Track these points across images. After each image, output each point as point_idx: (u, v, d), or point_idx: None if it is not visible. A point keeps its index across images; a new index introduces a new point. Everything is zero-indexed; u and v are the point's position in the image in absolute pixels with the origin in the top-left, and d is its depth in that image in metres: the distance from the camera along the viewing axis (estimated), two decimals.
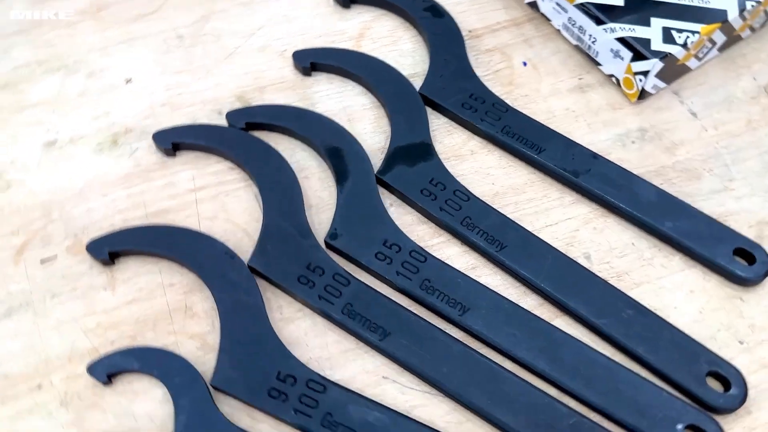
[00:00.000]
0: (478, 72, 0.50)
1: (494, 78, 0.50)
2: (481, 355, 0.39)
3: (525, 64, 0.51)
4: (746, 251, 0.42)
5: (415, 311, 0.40)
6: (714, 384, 0.38)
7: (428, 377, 0.38)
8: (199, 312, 0.41)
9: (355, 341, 0.40)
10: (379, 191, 0.44)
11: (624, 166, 0.45)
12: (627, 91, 0.48)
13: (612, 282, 0.41)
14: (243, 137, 0.46)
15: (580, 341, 0.39)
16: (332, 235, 0.42)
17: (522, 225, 0.43)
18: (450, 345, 0.39)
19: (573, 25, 0.50)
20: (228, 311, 0.40)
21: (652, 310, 0.40)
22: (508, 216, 0.43)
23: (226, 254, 0.42)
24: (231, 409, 0.38)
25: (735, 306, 0.41)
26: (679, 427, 0.37)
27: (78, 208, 0.45)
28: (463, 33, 0.52)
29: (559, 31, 0.52)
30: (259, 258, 0.41)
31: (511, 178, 0.46)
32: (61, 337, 0.40)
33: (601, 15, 0.48)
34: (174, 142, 0.46)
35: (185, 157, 0.47)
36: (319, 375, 0.38)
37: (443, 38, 0.51)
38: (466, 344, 0.39)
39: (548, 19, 0.52)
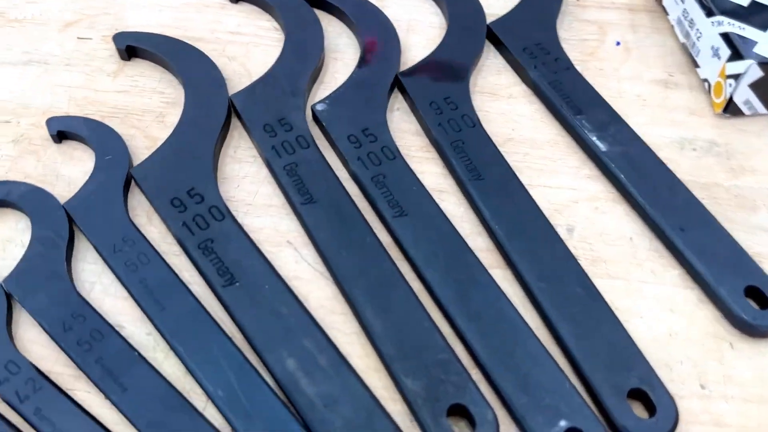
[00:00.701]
0: (563, 34, 0.45)
1: (576, 45, 0.45)
2: (389, 257, 0.34)
3: (618, 43, 0.45)
4: (762, 294, 0.32)
5: (354, 199, 0.36)
6: (636, 408, 0.30)
7: (326, 254, 0.34)
8: (168, 123, 0.41)
9: (283, 200, 0.37)
10: (391, 91, 0.41)
11: (670, 166, 0.38)
12: (714, 100, 0.41)
13: (583, 264, 0.34)
14: (186, 48, 0.45)
15: (500, 291, 0.33)
16: (320, 102, 0.40)
17: (516, 174, 0.37)
18: (364, 235, 0.34)
19: (686, 17, 0.43)
20: (185, 124, 0.39)
21: (611, 306, 0.32)
22: (506, 159, 0.38)
23: (216, 79, 0.41)
24: (136, 203, 0.37)
25: (719, 348, 0.32)
26: (562, 423, 0.29)
27: (132, 12, 0.47)
28: (571, 2, 0.47)
29: (672, 27, 0.45)
30: (243, 96, 0.40)
31: (535, 132, 0.40)
32: (51, 96, 0.42)
33: (715, 7, 0.41)
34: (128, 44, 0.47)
35: (240, 7, 0.47)
36: (226, 207, 0.36)
37: None
38: (380, 242, 0.34)
39: (666, 12, 0.46)
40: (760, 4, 0.41)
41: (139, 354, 0.31)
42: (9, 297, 0.33)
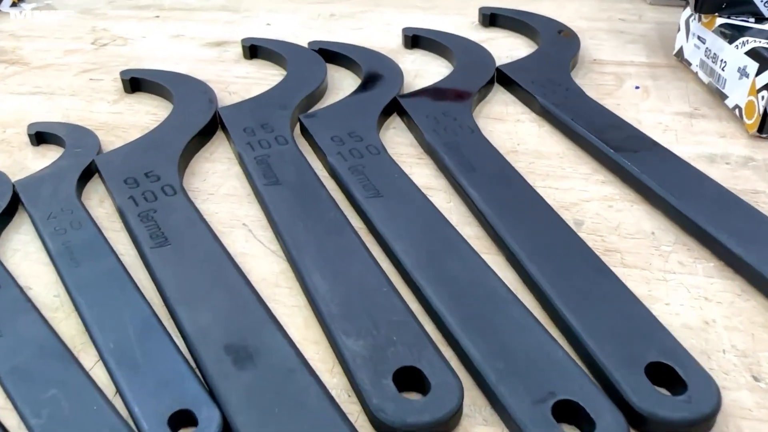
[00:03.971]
0: (579, 81, 0.41)
1: (592, 87, 0.41)
2: (355, 232, 0.27)
3: (637, 87, 0.41)
4: None
5: (328, 188, 0.31)
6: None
7: (281, 229, 0.28)
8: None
9: (248, 191, 0.32)
10: (387, 112, 0.37)
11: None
12: (747, 121, 0.35)
13: (596, 254, 0.27)
14: (302, 50, 0.44)
15: (481, 260, 0.25)
16: (310, 114, 0.36)
17: (516, 171, 0.31)
18: (327, 210, 0.29)
19: (708, 55, 0.39)
20: (164, 126, 0.36)
21: (633, 293, 0.24)
22: (513, 165, 0.32)
23: (204, 94, 0.38)
24: (92, 191, 0.33)
25: None
26: (551, 394, 0.20)
27: (150, 63, 0.46)
28: (588, 60, 0.44)
29: (695, 75, 0.41)
30: (231, 108, 0.37)
31: (542, 145, 0.35)
32: (46, 114, 0.40)
33: (738, 33, 0.37)
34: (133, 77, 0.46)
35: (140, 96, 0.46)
36: (182, 186, 0.31)
37: (555, 48, 0.44)
38: (346, 219, 0.28)
39: (689, 63, 0.42)
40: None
41: (33, 306, 0.25)
42: None
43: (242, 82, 0.43)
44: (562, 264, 0.25)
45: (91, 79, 0.44)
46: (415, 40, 0.47)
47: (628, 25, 0.50)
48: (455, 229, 0.27)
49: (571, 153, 0.34)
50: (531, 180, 0.31)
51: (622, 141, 0.33)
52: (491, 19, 0.50)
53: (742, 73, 0.35)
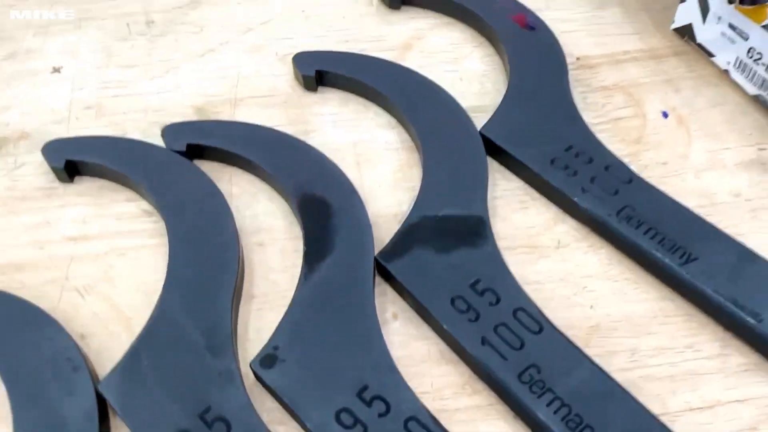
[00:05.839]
0: (587, 117, 0.28)
1: (611, 129, 0.28)
2: None
3: (665, 115, 0.29)
4: None
5: None
6: None
7: None
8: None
9: None
10: (374, 291, 0.23)
11: None
12: None
13: None
14: (171, 165, 0.26)
15: None
16: (267, 358, 0.21)
17: (638, 399, 0.20)
18: None
19: (756, 60, 0.28)
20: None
21: None
22: (612, 375, 0.21)
23: (67, 362, 0.21)
24: None
25: None
26: None
27: None
28: (569, 59, 0.31)
29: (726, 72, 0.30)
30: (118, 382, 0.21)
31: (626, 302, 0.23)
32: None
33: None
34: (69, 159, 0.27)
35: (85, 186, 0.27)
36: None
37: (533, 62, 0.30)
38: None
39: (709, 54, 0.30)
40: None
41: None
42: None
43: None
44: None
45: None
46: (319, 77, 0.30)
47: None
48: None
49: (674, 307, 0.23)
50: (658, 401, 0.21)
51: (735, 283, 0.22)
52: None
53: None
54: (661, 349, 0.22)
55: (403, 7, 0.34)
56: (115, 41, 0.33)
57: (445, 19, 0.34)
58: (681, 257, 0.23)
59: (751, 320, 0.22)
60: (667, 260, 0.23)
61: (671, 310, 0.23)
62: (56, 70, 0.32)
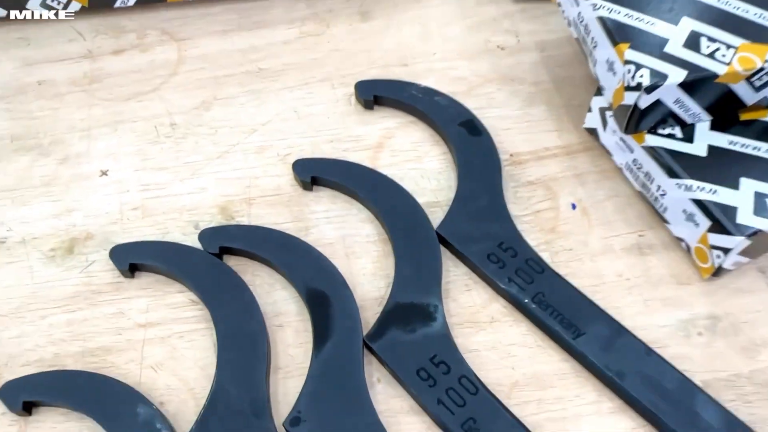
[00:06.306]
0: (515, 210, 0.38)
1: (534, 221, 0.38)
2: None
3: (574, 206, 0.39)
4: None
5: None
6: None
7: None
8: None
9: None
10: (364, 362, 0.33)
11: (685, 366, 0.33)
12: (699, 264, 0.36)
13: None
14: (211, 267, 0.36)
15: None
16: (294, 419, 0.31)
17: None
18: None
19: (638, 168, 0.38)
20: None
21: None
22: (524, 422, 0.31)
23: (158, 427, 0.31)
24: None
25: None
26: None
27: (8, 332, 0.35)
28: (504, 156, 0.40)
29: (620, 169, 0.40)
30: None
31: (537, 364, 0.34)
32: None
33: (676, 165, 0.35)
34: (132, 262, 0.36)
35: (143, 281, 0.37)
36: None
37: (477, 164, 0.39)
38: None
39: (609, 153, 0.40)
40: (720, 150, 0.36)
41: None
42: None
43: (163, 342, 0.35)
44: None
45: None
46: (313, 180, 0.40)
47: (512, 60, 0.45)
48: None
49: (569, 368, 0.34)
50: None
51: (614, 353, 0.33)
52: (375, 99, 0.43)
53: (690, 217, 0.35)
54: (559, 399, 0.33)
55: (375, 107, 0.43)
56: (147, 144, 0.42)
57: (409, 118, 0.43)
58: (573, 332, 0.34)
59: (617, 379, 0.32)
60: (564, 334, 0.34)
61: (567, 369, 0.34)
62: (104, 173, 0.41)
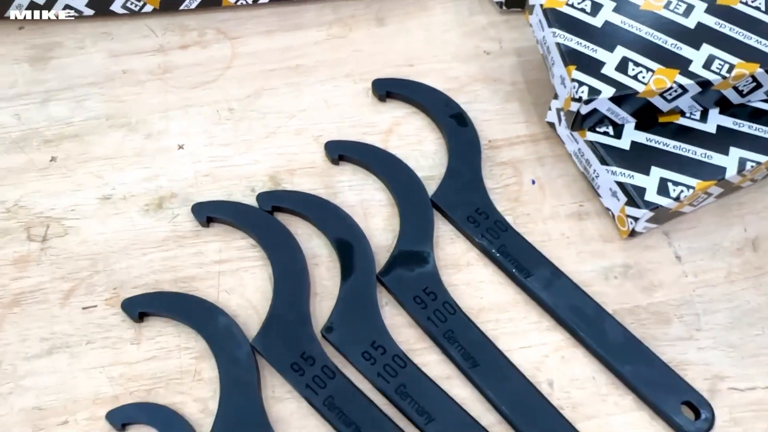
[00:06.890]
0: (489, 184, 0.52)
1: (502, 192, 0.52)
2: None
3: (533, 182, 0.52)
4: (694, 405, 0.43)
5: (388, 412, 0.43)
6: None
7: None
8: (206, 378, 0.45)
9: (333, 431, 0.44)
10: (377, 291, 0.47)
11: (602, 300, 0.47)
12: (620, 227, 0.50)
13: (566, 412, 0.43)
14: (266, 221, 0.49)
15: None
16: (328, 327, 0.46)
17: (498, 345, 0.45)
18: None
19: (581, 156, 0.51)
20: (227, 384, 0.44)
21: None
22: (487, 334, 0.46)
23: (234, 331, 0.45)
24: None
25: None
26: None
27: (120, 264, 0.49)
28: (483, 142, 0.53)
29: (570, 155, 0.53)
30: (261, 339, 0.45)
31: (498, 295, 0.48)
32: (89, 381, 0.45)
33: (606, 156, 0.49)
34: (208, 216, 0.50)
35: (216, 230, 0.50)
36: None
37: (463, 148, 0.52)
38: None
39: (563, 142, 0.53)
40: (640, 145, 0.49)
41: None
42: None
43: (228, 269, 0.49)
44: None
45: (84, 308, 0.47)
46: (340, 156, 0.53)
47: (495, 63, 0.58)
48: None
49: (520, 299, 0.48)
50: (506, 344, 0.46)
51: (552, 289, 0.47)
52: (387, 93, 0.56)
53: (613, 194, 0.49)
54: (512, 319, 0.47)
55: (387, 100, 0.56)
56: (212, 125, 0.55)
57: (413, 110, 0.56)
58: (525, 274, 0.48)
59: (553, 307, 0.46)
60: (518, 275, 0.48)
61: (519, 300, 0.48)
62: (180, 147, 0.54)
